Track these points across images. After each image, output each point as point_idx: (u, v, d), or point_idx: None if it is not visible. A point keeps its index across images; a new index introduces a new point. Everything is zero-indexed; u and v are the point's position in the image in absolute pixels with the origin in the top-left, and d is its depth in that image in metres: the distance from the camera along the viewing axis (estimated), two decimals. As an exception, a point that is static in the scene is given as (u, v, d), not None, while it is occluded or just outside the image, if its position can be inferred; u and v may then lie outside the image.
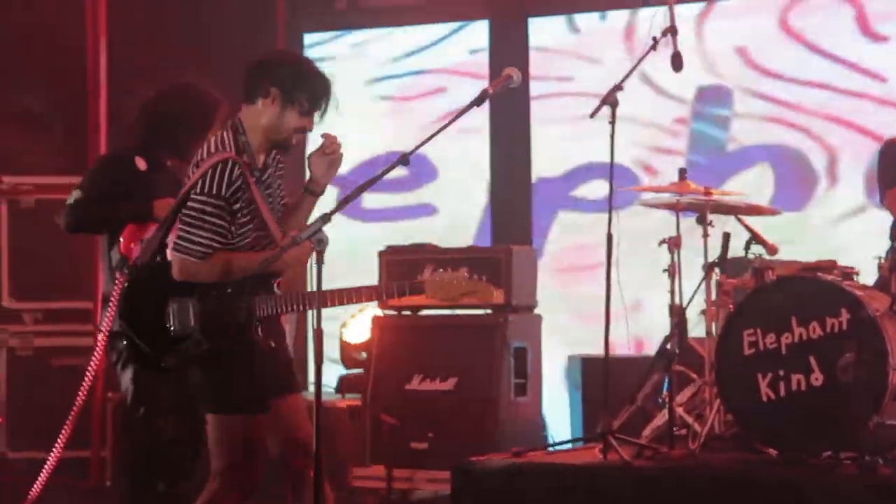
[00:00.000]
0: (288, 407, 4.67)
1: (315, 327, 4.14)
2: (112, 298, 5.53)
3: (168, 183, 5.38)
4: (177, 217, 4.50)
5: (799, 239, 7.69)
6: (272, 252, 4.42)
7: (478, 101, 4.39)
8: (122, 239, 5.42)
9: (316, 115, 4.52)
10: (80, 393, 5.90)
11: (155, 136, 5.61)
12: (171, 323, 4.47)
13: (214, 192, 4.38)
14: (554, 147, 8.63)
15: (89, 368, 5.82)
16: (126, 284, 4.71)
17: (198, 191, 4.40)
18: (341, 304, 4.50)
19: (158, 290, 4.50)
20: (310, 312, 4.36)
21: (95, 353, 5.74)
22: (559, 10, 8.70)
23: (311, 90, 4.48)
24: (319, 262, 4.15)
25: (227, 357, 4.50)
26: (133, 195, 5.42)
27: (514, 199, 8.74)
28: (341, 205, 4.33)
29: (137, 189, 5.45)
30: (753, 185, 7.94)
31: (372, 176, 4.30)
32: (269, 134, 4.50)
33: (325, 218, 4.16)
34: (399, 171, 4.44)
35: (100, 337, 5.66)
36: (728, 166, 8.22)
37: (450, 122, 4.34)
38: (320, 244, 4.14)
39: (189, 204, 4.44)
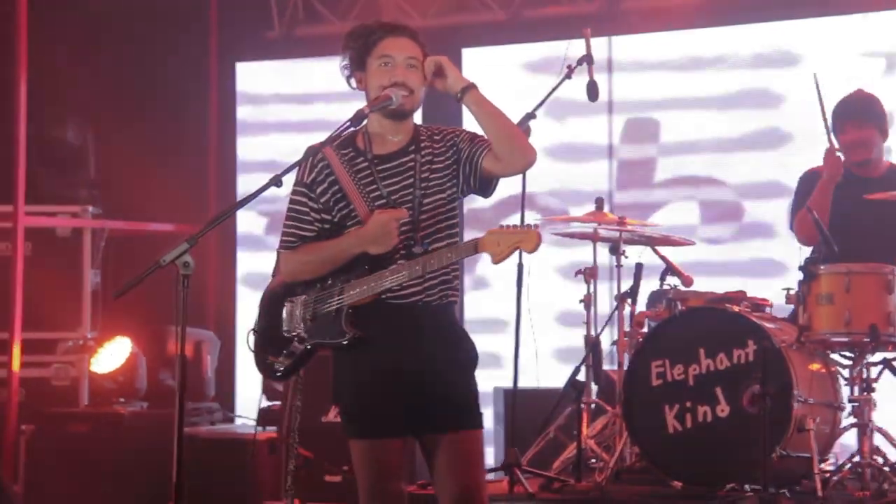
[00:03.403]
0: (443, 448, 4.01)
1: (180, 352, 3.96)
2: None
3: None
4: None
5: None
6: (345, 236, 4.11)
7: (354, 121, 4.25)
8: None
9: (398, 58, 4.14)
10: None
11: None
12: (284, 324, 4.22)
13: (298, 178, 4.18)
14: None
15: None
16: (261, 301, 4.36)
17: None
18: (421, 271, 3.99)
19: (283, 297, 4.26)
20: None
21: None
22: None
23: (362, 38, 4.20)
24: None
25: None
26: None
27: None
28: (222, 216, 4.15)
29: None
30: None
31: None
32: (372, 106, 4.13)
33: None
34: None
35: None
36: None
37: (323, 144, 4.22)
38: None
39: None
